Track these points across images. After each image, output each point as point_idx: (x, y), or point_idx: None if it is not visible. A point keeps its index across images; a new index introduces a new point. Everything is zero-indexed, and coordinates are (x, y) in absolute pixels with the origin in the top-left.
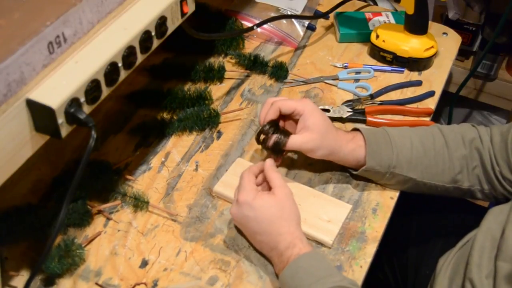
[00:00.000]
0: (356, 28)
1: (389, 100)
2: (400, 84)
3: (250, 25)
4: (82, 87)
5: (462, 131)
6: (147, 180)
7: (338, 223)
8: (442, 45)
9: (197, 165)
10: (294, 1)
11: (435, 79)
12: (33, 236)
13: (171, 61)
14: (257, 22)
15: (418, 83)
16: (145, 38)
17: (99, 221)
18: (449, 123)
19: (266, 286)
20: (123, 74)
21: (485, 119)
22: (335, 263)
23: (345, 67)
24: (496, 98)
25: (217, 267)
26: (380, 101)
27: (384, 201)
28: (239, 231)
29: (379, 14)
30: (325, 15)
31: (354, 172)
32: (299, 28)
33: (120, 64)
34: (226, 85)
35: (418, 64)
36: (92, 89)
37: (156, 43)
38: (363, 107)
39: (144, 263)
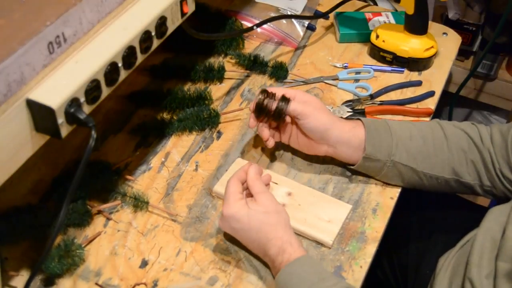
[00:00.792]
0: (356, 28)
1: (389, 100)
2: (400, 84)
3: (250, 25)
4: (82, 87)
5: (462, 127)
6: (147, 180)
7: (338, 223)
8: (442, 45)
9: (197, 165)
10: (294, 1)
11: (435, 79)
12: (33, 236)
13: (171, 61)
14: (257, 22)
15: (418, 83)
16: (145, 38)
17: (99, 221)
18: None
19: (266, 286)
20: (123, 74)
21: (485, 119)
22: (335, 263)
23: (345, 67)
24: (496, 98)
25: (217, 267)
26: (380, 101)
27: (384, 201)
28: (233, 238)
29: (379, 14)
30: (325, 15)
31: (353, 167)
32: (299, 28)
33: (120, 64)
34: (226, 85)
35: (418, 64)
36: (92, 89)
37: (156, 43)
38: (363, 107)
39: (144, 263)
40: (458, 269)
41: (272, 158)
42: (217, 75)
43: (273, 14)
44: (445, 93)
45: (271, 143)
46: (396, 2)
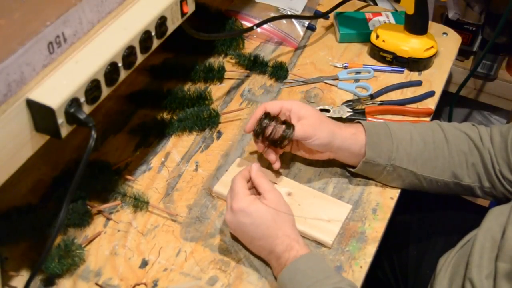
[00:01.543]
0: (356, 28)
1: (389, 100)
2: (400, 84)
3: (250, 25)
4: (82, 87)
5: (462, 129)
6: (147, 180)
7: (338, 223)
8: (442, 45)
9: (197, 165)
10: (294, 1)
11: (435, 79)
12: (33, 236)
13: (171, 61)
14: (257, 22)
15: (418, 83)
16: (145, 38)
17: (99, 221)
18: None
19: (266, 286)
20: (123, 74)
21: (485, 119)
22: (335, 263)
23: (345, 67)
24: (496, 98)
25: (217, 267)
26: (380, 101)
27: (384, 201)
28: (234, 237)
29: (379, 14)
30: (325, 15)
31: (353, 170)
32: (299, 28)
33: (120, 64)
34: (226, 85)
35: (418, 64)
36: (92, 89)
37: (156, 43)
38: (363, 107)
39: (144, 263)
40: (458, 269)
41: None
42: (217, 75)
43: (273, 14)
44: (445, 93)
45: (278, 165)
46: (396, 2)
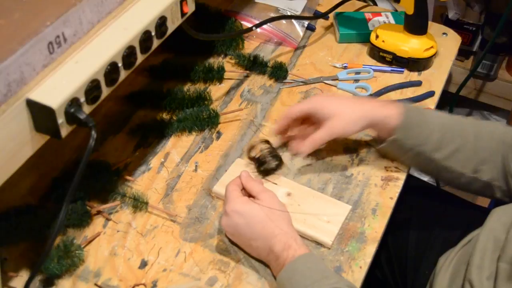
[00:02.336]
0: (355, 29)
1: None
2: (400, 85)
3: (249, 25)
4: (82, 87)
5: (493, 126)
6: (146, 181)
7: (338, 223)
8: (442, 45)
9: (196, 166)
10: (294, 1)
11: (435, 79)
12: (33, 236)
13: (171, 62)
14: (257, 22)
15: (418, 83)
16: (145, 38)
17: (98, 221)
18: None
19: (265, 286)
20: (123, 74)
21: (485, 119)
22: (335, 263)
23: (345, 68)
24: (496, 98)
25: (216, 267)
26: None
27: (383, 201)
28: (233, 242)
29: (378, 14)
30: (324, 15)
31: (378, 147)
32: (298, 28)
33: (120, 64)
34: (226, 85)
35: (418, 64)
36: (92, 89)
37: (156, 43)
38: None
39: (144, 264)
40: (459, 269)
41: None
42: (217, 75)
43: (272, 15)
44: (445, 93)
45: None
46: (396, 2)
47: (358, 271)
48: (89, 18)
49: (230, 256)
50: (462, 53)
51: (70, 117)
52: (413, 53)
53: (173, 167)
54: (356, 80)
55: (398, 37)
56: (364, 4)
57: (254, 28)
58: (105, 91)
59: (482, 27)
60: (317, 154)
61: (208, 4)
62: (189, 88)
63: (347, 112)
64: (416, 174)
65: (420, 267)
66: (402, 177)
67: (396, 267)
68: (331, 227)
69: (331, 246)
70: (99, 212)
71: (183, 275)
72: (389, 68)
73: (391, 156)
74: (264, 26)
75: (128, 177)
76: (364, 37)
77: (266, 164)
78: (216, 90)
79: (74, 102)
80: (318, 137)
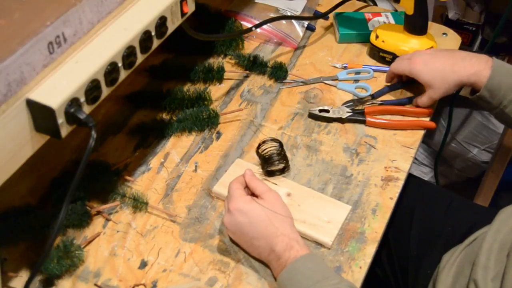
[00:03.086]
0: (355, 29)
1: (389, 100)
2: (400, 85)
3: (249, 25)
4: (82, 87)
5: None
6: (146, 181)
7: (338, 224)
8: (442, 45)
9: (196, 166)
10: (294, 1)
11: None
12: (32, 237)
13: (171, 62)
14: (257, 22)
15: (418, 83)
16: (145, 38)
17: (98, 222)
18: (449, 123)
19: (265, 287)
20: (123, 74)
21: (485, 119)
22: (335, 264)
23: (345, 68)
24: None
25: (216, 268)
26: (379, 101)
27: (383, 201)
28: (233, 241)
29: (378, 14)
30: (324, 16)
31: (471, 97)
32: (298, 28)
33: (120, 64)
34: (226, 85)
35: None
36: (92, 89)
37: (156, 43)
38: (362, 108)
39: (143, 264)
40: (463, 268)
41: None
42: (217, 75)
43: (272, 15)
44: None
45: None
46: (396, 2)
47: (358, 272)
48: (89, 18)
49: (230, 256)
50: None
51: (70, 117)
52: None
53: (173, 167)
54: (356, 80)
55: (398, 37)
56: (364, 4)
57: (254, 28)
58: (105, 91)
59: (482, 27)
60: (317, 154)
61: (208, 4)
62: (189, 88)
63: (441, 84)
64: (416, 174)
65: (422, 266)
66: (402, 177)
67: (397, 265)
68: (331, 227)
69: (331, 246)
70: (99, 213)
71: (183, 275)
72: (389, 68)
73: (483, 108)
74: (264, 26)
75: (128, 177)
76: (364, 37)
77: (272, 165)
78: (216, 90)
79: (74, 102)
80: (423, 102)
